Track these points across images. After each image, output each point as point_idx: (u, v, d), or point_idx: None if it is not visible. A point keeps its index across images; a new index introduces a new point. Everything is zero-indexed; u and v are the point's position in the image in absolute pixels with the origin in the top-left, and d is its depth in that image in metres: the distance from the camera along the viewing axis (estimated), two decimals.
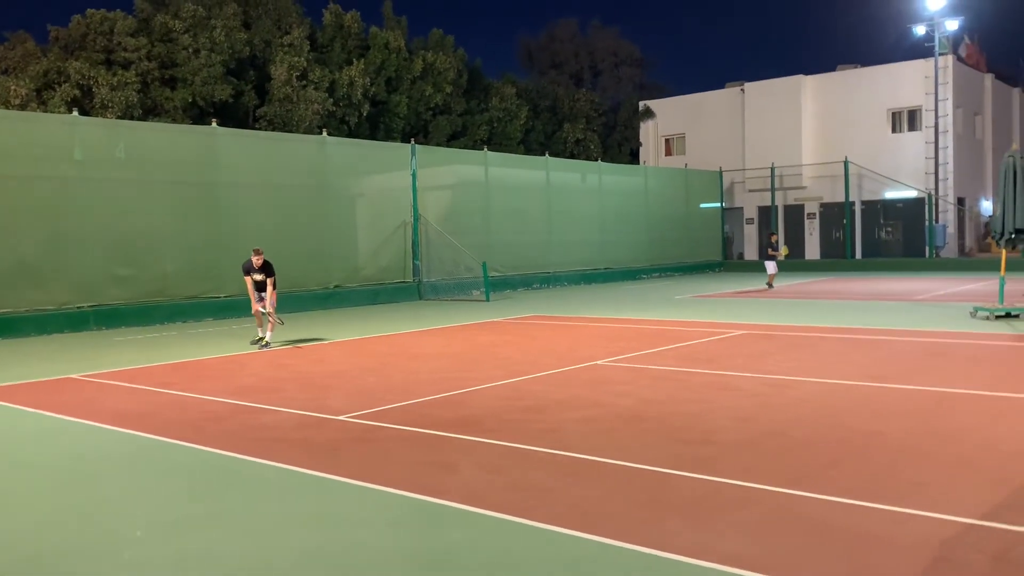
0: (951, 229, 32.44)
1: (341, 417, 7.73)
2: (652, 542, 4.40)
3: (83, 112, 21.10)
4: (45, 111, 20.32)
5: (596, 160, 31.68)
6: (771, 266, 23.12)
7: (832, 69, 35.79)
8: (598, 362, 10.69)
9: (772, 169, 35.02)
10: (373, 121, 28.32)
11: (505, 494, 5.32)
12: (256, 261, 13.47)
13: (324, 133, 21.92)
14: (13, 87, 21.01)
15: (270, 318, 13.36)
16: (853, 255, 33.87)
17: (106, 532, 4.84)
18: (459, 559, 4.28)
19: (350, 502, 5.26)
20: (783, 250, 24.58)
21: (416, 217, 23.03)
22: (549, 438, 6.70)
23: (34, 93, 21.38)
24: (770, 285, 23.19)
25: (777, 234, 26.02)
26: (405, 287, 22.74)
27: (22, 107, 20.51)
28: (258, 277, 13.49)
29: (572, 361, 10.81)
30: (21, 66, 22.26)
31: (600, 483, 5.51)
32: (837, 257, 34.07)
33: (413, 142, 23.78)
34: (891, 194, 33.52)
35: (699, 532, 4.56)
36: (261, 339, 13.42)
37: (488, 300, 21.43)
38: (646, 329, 14.51)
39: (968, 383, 8.62)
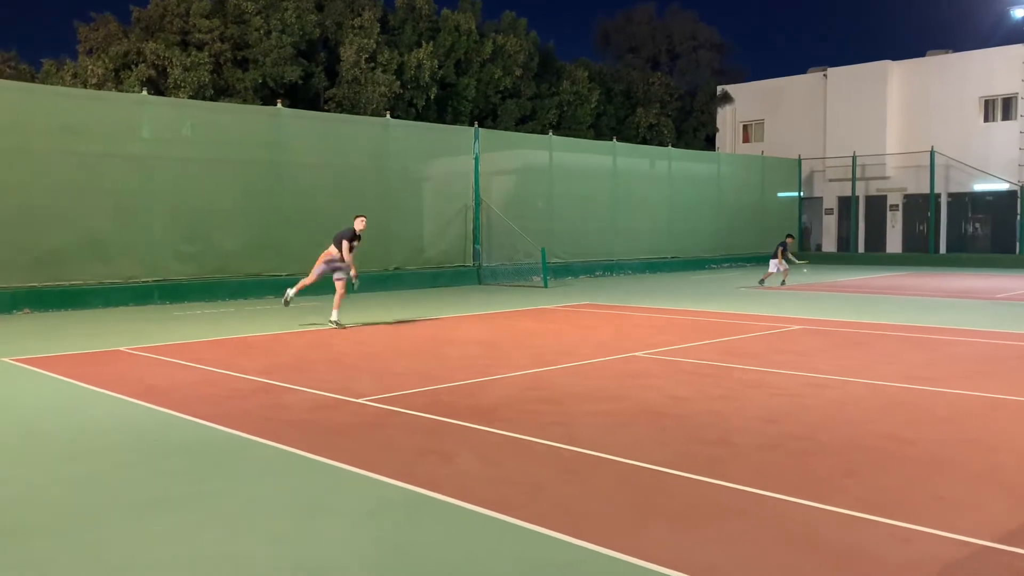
0: None
1: (360, 400, 7.69)
2: (630, 549, 4.17)
3: (157, 92, 21.70)
4: (121, 91, 20.95)
5: (669, 146, 31.00)
6: (772, 264, 21.37)
7: (921, 55, 34.14)
8: (636, 354, 10.40)
9: (854, 158, 33.69)
10: (441, 104, 28.31)
11: (495, 488, 5.15)
12: (360, 225, 13.11)
13: (388, 115, 21.99)
14: (91, 67, 21.73)
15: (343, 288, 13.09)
16: (937, 250, 32.36)
17: (83, 509, 4.86)
18: (424, 556, 4.14)
19: (336, 489, 5.18)
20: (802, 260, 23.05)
21: (477, 201, 22.96)
22: (557, 431, 6.49)
23: (112, 73, 22.06)
24: (783, 281, 21.79)
25: (793, 237, 24.24)
26: (465, 271, 22.72)
27: (98, 86, 21.20)
28: (357, 243, 13.20)
29: (609, 352, 10.55)
30: (103, 46, 23.01)
31: (595, 481, 5.29)
32: (920, 251, 32.62)
33: (476, 125, 23.69)
34: (980, 186, 31.85)
35: (682, 541, 4.31)
36: (336, 321, 13.01)
37: (546, 287, 21.24)
38: (698, 321, 14.10)
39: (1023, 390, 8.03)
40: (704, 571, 3.91)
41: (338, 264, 13.15)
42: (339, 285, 13.20)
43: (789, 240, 22.09)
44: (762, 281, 22.06)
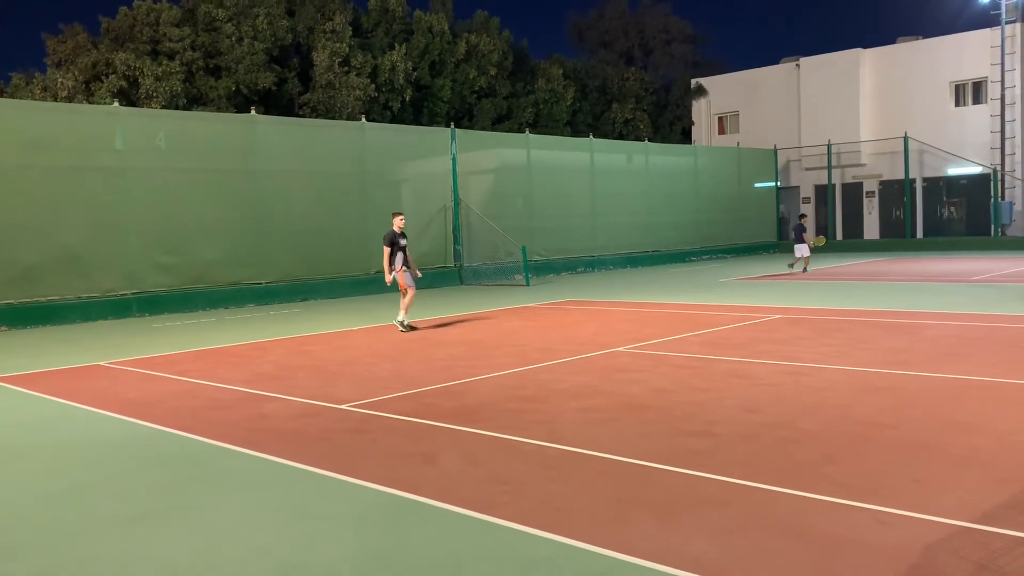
0: (1018, 206, 30.97)
1: (343, 406, 7.67)
2: (615, 543, 4.19)
3: (129, 103, 21.52)
4: (92, 103, 20.76)
5: (646, 141, 31.10)
6: (802, 249, 21.84)
7: (892, 42, 34.41)
8: (618, 349, 10.44)
9: (829, 146, 33.93)
10: (417, 106, 28.25)
11: (478, 488, 5.16)
12: (399, 224, 12.88)
13: (364, 119, 21.93)
14: (60, 79, 21.52)
15: (412, 290, 12.95)
16: (914, 234, 32.65)
17: (66, 525, 4.83)
18: (409, 559, 4.14)
19: (320, 496, 5.16)
20: (818, 239, 23.42)
21: (456, 202, 22.94)
22: (540, 429, 6.51)
23: (82, 85, 21.85)
24: (805, 268, 22.20)
25: (807, 216, 24.79)
26: (446, 272, 22.69)
27: (69, 99, 21.00)
28: (403, 242, 12.94)
29: (592, 348, 10.57)
30: (72, 58, 22.78)
31: (579, 477, 5.31)
32: (897, 236, 32.90)
33: (453, 126, 23.67)
34: (954, 170, 32.17)
35: (667, 533, 4.33)
36: (404, 323, 12.83)
37: (528, 285, 21.26)
38: (680, 314, 14.16)
39: (1001, 371, 8.12)
40: (688, 563, 3.94)
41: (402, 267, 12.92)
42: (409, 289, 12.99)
43: (804, 220, 22.29)
44: (791, 266, 22.33)
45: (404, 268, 13.00)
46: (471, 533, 4.45)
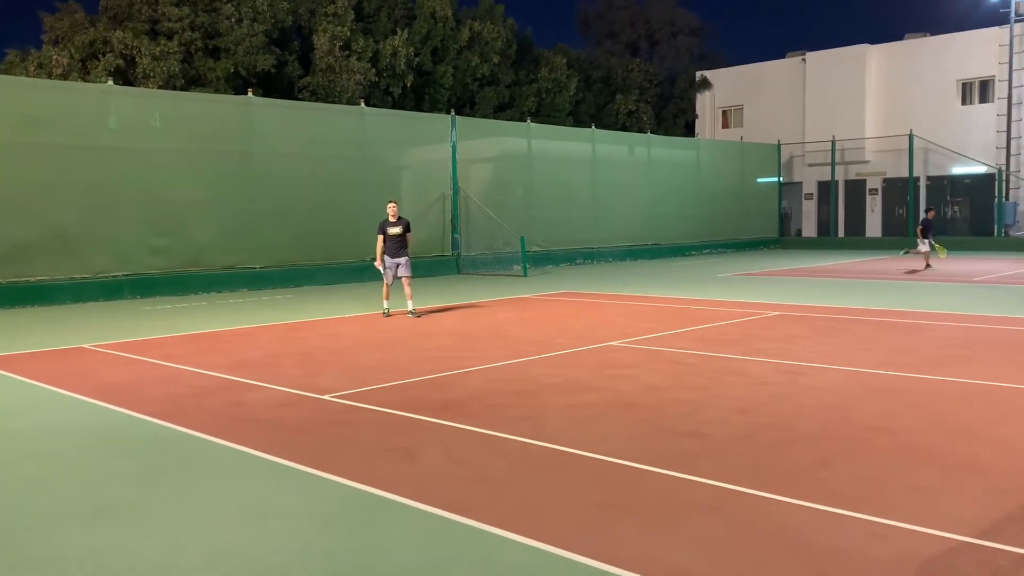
0: (1023, 207, 30.71)
1: (325, 396, 7.46)
2: (597, 552, 3.97)
3: (126, 82, 21.23)
4: (88, 81, 20.47)
5: (648, 133, 30.79)
6: (925, 244, 20.61)
7: (899, 38, 34.07)
8: (612, 343, 10.22)
9: (833, 143, 33.64)
10: (418, 92, 27.91)
11: (457, 488, 4.94)
12: (392, 211, 13.07)
13: (362, 104, 21.65)
14: (55, 56, 21.21)
15: (406, 280, 13.11)
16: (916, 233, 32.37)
17: (23, 518, 4.61)
18: (377, 563, 3.92)
19: (292, 492, 4.95)
20: (940, 249, 21.00)
21: (456, 190, 22.69)
22: (527, 425, 6.29)
23: (78, 63, 21.55)
24: (927, 265, 20.80)
25: (934, 211, 22.58)
26: (444, 261, 22.47)
27: (64, 77, 20.70)
28: (395, 231, 13.00)
29: (585, 342, 10.35)
30: (69, 36, 22.47)
31: (563, 478, 5.10)
32: (899, 235, 32.60)
33: (453, 113, 23.38)
34: (959, 169, 31.89)
35: (652, 541, 4.12)
36: (388, 311, 13.14)
37: (525, 275, 21.02)
38: (678, 308, 13.93)
39: (1004, 375, 7.90)
40: (671, 574, 3.73)
41: (396, 260, 13.09)
42: (400, 270, 13.13)
43: (931, 214, 21.10)
44: (906, 252, 21.15)
45: (389, 258, 13.09)
46: (445, 537, 4.24)
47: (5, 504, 4.84)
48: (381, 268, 13.19)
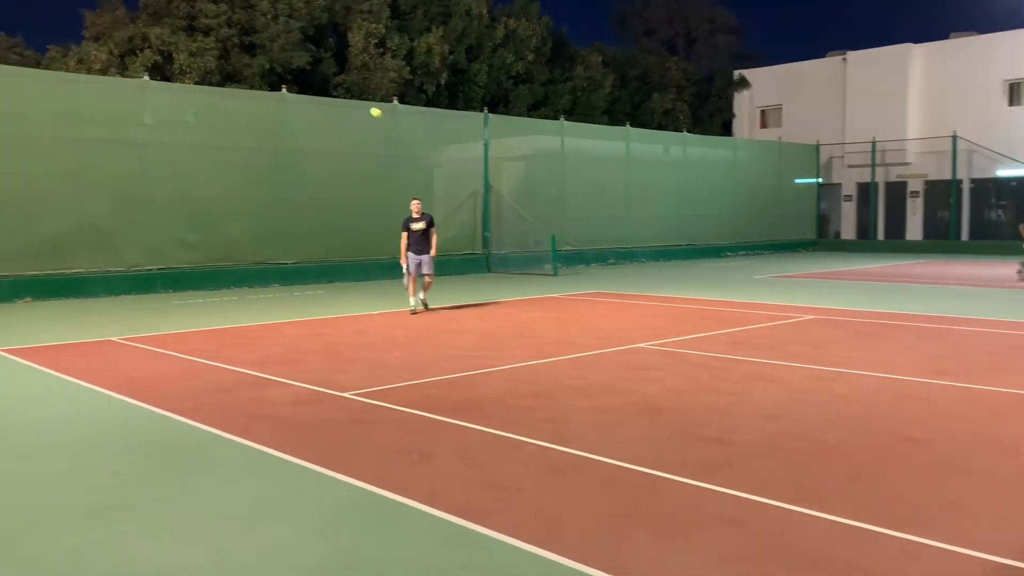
0: None
1: (345, 394, 7.35)
2: (607, 564, 3.80)
3: (163, 78, 21.41)
4: (125, 76, 20.68)
5: (684, 132, 30.40)
6: None
7: (944, 37, 33.25)
8: (639, 345, 10.00)
9: (873, 144, 32.94)
10: (452, 90, 27.82)
11: (470, 493, 4.79)
12: (416, 208, 13.22)
13: (395, 102, 21.62)
14: (94, 52, 21.45)
15: (428, 277, 13.21)
16: (959, 236, 31.59)
17: (22, 516, 4.53)
18: (379, 572, 3.78)
19: (299, 492, 4.83)
20: None
21: (487, 188, 22.56)
22: (546, 429, 6.12)
23: (117, 59, 21.77)
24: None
25: None
26: (474, 259, 22.34)
27: (102, 72, 20.93)
28: (418, 227, 13.10)
29: (612, 343, 10.15)
30: (109, 32, 22.71)
31: (579, 485, 4.92)
32: (941, 238, 31.86)
33: (486, 111, 23.25)
34: (1004, 172, 31.00)
35: (667, 555, 3.93)
36: (417, 307, 13.20)
37: (556, 275, 20.83)
38: (709, 311, 13.66)
39: None
40: None
41: (418, 258, 13.16)
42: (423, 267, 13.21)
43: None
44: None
45: (412, 255, 13.16)
46: (452, 544, 4.08)
47: (9, 501, 4.78)
48: (404, 266, 13.21)
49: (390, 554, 3.95)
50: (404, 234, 13.20)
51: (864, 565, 3.78)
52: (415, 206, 13.34)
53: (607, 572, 3.72)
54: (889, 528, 4.18)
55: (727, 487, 4.83)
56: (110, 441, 5.98)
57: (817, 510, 4.45)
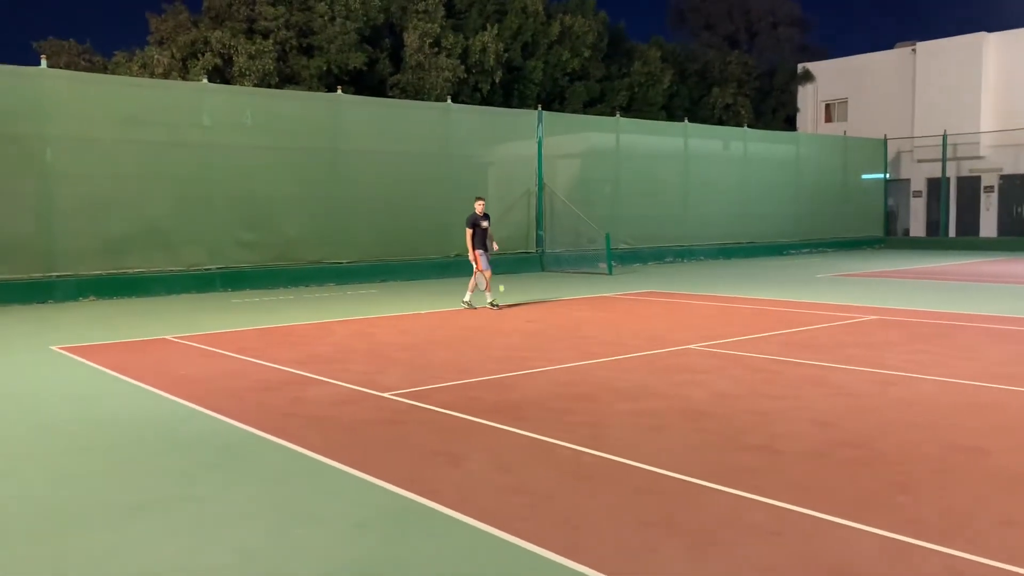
0: None
1: (386, 394, 7.33)
2: None
3: (223, 81, 21.85)
4: (186, 80, 21.16)
5: (745, 126, 29.78)
6: None
7: (1019, 26, 31.89)
8: (690, 346, 9.77)
9: (944, 137, 31.80)
10: (507, 88, 27.78)
11: (499, 498, 4.69)
12: (480, 208, 13.69)
13: (449, 100, 21.65)
14: (157, 56, 22.00)
15: (486, 273, 13.61)
16: None
17: (64, 511, 4.60)
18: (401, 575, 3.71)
19: (327, 495, 4.79)
20: None
21: (541, 186, 22.43)
22: (584, 432, 5.98)
23: (179, 63, 22.29)
24: None
25: None
26: (528, 258, 22.24)
27: (165, 76, 21.45)
28: (485, 224, 13.70)
29: (662, 344, 9.93)
30: (172, 36, 23.28)
31: (613, 492, 4.77)
32: (1017, 235, 30.59)
33: (540, 108, 23.12)
34: None
35: (698, 568, 3.76)
36: (494, 302, 13.60)
37: (610, 274, 20.59)
38: (766, 311, 13.31)
39: None
40: None
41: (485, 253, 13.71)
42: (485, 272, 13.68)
43: None
44: None
45: (481, 252, 13.66)
46: (477, 550, 3.99)
47: (48, 499, 4.86)
48: (475, 262, 13.69)
49: (413, 559, 3.88)
50: (469, 231, 13.68)
51: None
52: (479, 206, 13.76)
53: None
54: (935, 543, 3.94)
55: (768, 497, 4.64)
56: (152, 439, 6.05)
57: (861, 523, 4.23)
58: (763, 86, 37.15)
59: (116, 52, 23.86)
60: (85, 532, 4.29)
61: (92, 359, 9.34)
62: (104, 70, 23.42)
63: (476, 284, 13.68)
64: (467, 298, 13.69)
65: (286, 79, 23.50)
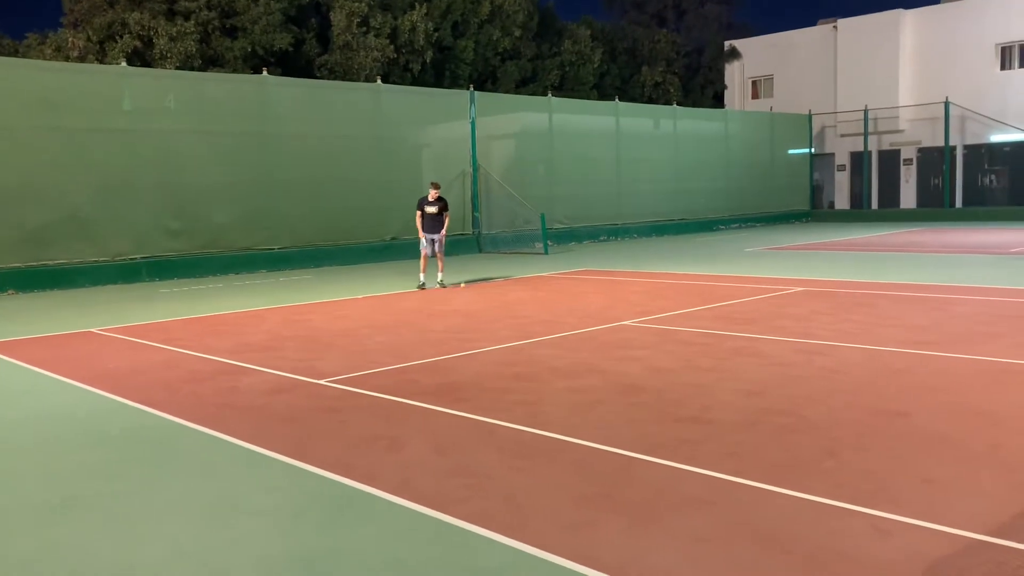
0: None
1: (322, 381, 7.25)
2: (575, 553, 3.70)
3: (143, 64, 21.16)
4: (105, 63, 20.42)
5: (674, 104, 30.15)
6: None
7: (935, 2, 32.93)
8: (625, 323, 9.90)
9: (865, 112, 32.71)
10: (438, 68, 27.55)
11: (439, 481, 4.69)
12: (432, 193, 13.97)
13: (379, 81, 21.37)
14: (71, 39, 21.18)
15: (439, 258, 14.05)
16: (953, 204, 31.45)
17: None
18: (339, 566, 3.69)
19: (263, 485, 4.73)
20: None
21: (475, 167, 22.37)
22: (522, 411, 6.02)
23: (96, 45, 21.50)
24: None
25: None
26: (464, 240, 22.18)
27: (81, 59, 20.66)
28: (431, 209, 13.91)
29: (597, 321, 10.04)
30: (87, 18, 22.43)
31: (551, 470, 4.82)
32: (935, 206, 31.73)
33: (472, 89, 23.01)
34: (997, 137, 30.81)
35: (637, 540, 3.84)
36: (425, 283, 14.01)
37: (547, 253, 20.70)
38: (698, 285, 13.55)
39: None
40: None
41: (431, 236, 13.96)
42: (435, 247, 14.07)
43: None
44: None
45: (427, 235, 13.95)
46: (418, 535, 3.99)
47: None
48: (422, 241, 13.97)
49: (352, 546, 3.86)
50: (418, 213, 14.06)
51: (834, 544, 3.69)
52: (432, 192, 14.03)
53: (574, 560, 3.63)
54: (862, 505, 4.10)
55: (702, 467, 4.74)
56: (78, 436, 5.88)
57: (791, 488, 4.36)
58: (691, 64, 37.63)
59: (27, 34, 22.91)
60: (11, 535, 4.15)
61: (12, 355, 9.01)
62: (15, 54, 22.46)
63: (431, 265, 14.16)
64: (421, 279, 14.04)
65: (209, 61, 22.89)
